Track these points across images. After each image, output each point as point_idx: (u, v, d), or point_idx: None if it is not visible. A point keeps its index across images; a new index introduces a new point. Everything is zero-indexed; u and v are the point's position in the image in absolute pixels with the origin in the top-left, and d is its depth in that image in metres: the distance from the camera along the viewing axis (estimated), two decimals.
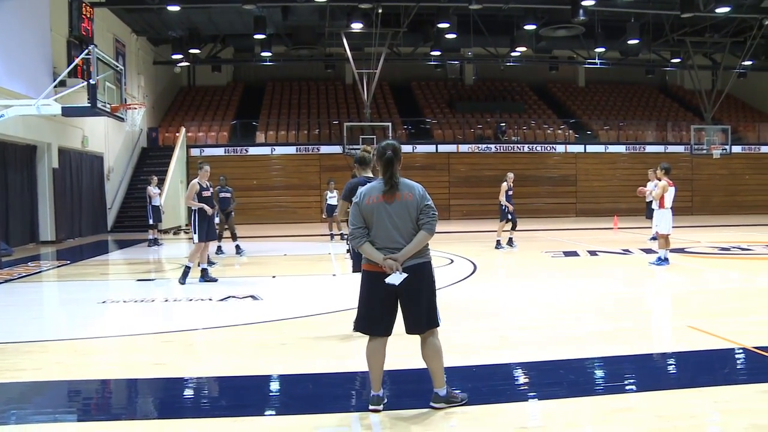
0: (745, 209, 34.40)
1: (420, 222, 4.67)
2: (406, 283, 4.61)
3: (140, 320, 8.51)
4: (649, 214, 18.60)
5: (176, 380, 5.74)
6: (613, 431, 4.41)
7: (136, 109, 18.45)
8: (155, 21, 29.68)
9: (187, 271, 11.38)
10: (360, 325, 4.82)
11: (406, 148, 31.88)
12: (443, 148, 32.77)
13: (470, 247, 17.33)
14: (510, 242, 17.02)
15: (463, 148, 32.83)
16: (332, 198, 20.46)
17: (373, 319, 4.75)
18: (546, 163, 33.31)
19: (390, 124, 30.60)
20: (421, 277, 4.70)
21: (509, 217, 16.75)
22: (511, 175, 17.20)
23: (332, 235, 20.27)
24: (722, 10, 25.95)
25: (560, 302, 9.22)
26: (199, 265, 11.66)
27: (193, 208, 11.56)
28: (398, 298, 4.72)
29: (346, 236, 16.21)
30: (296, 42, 30.37)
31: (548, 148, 33.52)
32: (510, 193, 16.78)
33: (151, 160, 30.15)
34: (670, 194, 13.10)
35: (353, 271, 6.96)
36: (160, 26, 30.53)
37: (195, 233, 11.53)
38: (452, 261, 14.32)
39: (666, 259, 12.89)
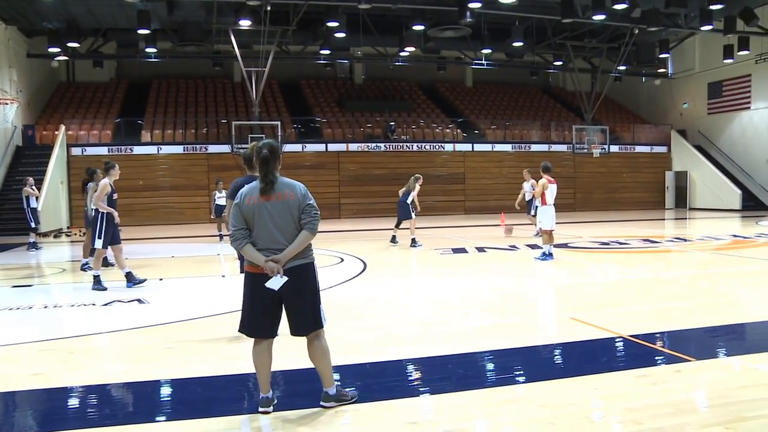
0: (623, 205, 36.43)
1: (302, 222, 4.67)
2: (289, 286, 4.61)
3: (16, 329, 8.06)
4: (530, 211, 19.36)
5: (57, 390, 5.49)
6: (499, 422, 4.56)
7: (7, 104, 17.46)
8: (27, 10, 28.14)
9: (97, 278, 10.82)
10: (244, 328, 4.80)
11: (295, 147, 31.77)
12: (333, 146, 32.84)
13: (360, 246, 17.44)
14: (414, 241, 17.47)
15: (353, 146, 33.01)
16: (220, 198, 20.46)
17: (256, 322, 4.74)
18: (435, 162, 33.98)
19: (279, 122, 30.39)
20: (304, 278, 4.71)
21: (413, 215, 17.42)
22: (419, 175, 18.05)
23: (221, 236, 20.02)
24: (598, 17, 27.27)
25: (449, 299, 9.43)
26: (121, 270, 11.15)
27: (101, 211, 10.92)
28: (281, 299, 4.72)
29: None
30: (182, 38, 29.60)
31: (437, 147, 34.20)
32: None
33: (27, 160, 28.63)
34: (551, 191, 13.63)
35: (241, 272, 6.88)
36: (34, 16, 29.00)
37: (99, 238, 10.89)
38: (342, 260, 14.37)
39: (550, 254, 13.42)
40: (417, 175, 18.01)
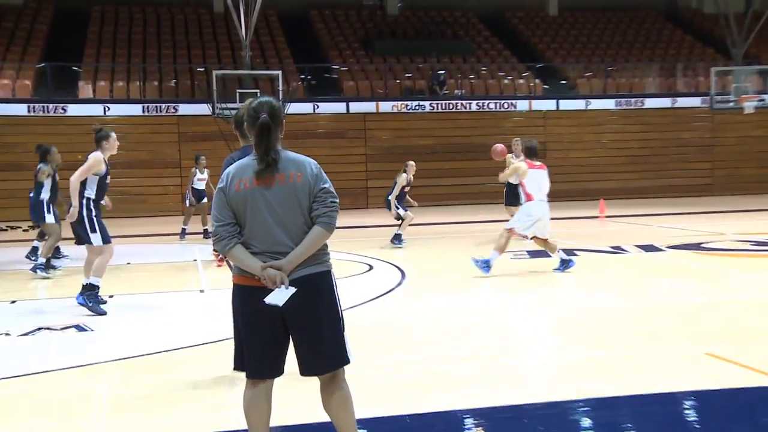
0: None
1: (314, 214, 4.64)
2: (297, 303, 4.55)
3: None
4: (510, 200, 19.12)
5: None
6: None
7: None
8: None
9: (93, 291, 10.84)
10: (238, 364, 4.80)
11: (303, 108, 31.84)
12: (357, 106, 32.87)
13: (396, 248, 17.40)
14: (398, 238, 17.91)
15: (385, 106, 33.03)
16: (201, 181, 20.69)
17: (254, 355, 4.71)
18: (502, 126, 33.84)
19: (280, 72, 30.46)
20: (319, 293, 4.67)
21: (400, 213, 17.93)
22: (412, 163, 18.18)
23: (206, 231, 20.26)
24: None
25: (521, 322, 9.38)
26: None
27: (84, 196, 10.89)
28: (286, 323, 4.67)
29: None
30: None
31: (506, 105, 34.10)
32: (407, 189, 18.04)
33: None
34: (533, 179, 13.41)
35: None
36: None
37: (94, 231, 10.89)
38: (371, 267, 14.37)
39: (485, 264, 13.26)
40: (409, 162, 18.24)
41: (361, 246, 17.75)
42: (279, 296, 4.50)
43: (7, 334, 9.48)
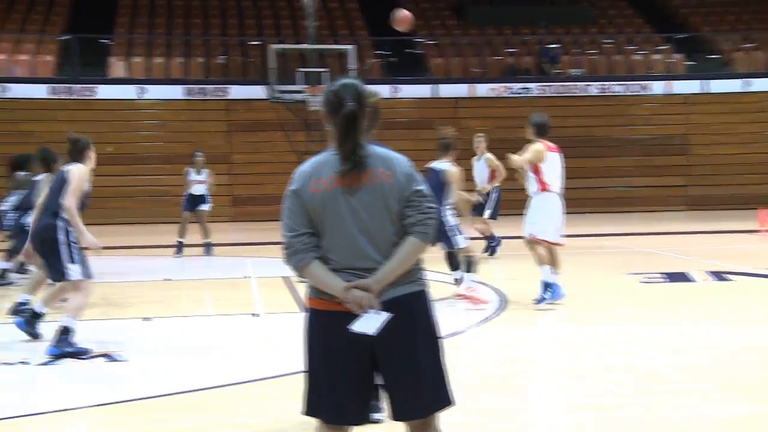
0: None
1: (407, 222, 4.63)
2: (388, 332, 4.52)
3: None
4: (476, 210, 18.82)
5: None
6: None
7: None
8: None
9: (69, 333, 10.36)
10: (315, 406, 4.73)
11: (382, 90, 31.55)
12: (447, 89, 32.90)
13: (496, 265, 17.39)
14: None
15: (482, 89, 33.00)
16: (199, 184, 20.95)
17: (336, 396, 4.67)
18: (631, 114, 33.54)
19: (352, 47, 30.53)
20: (414, 318, 4.66)
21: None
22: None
23: (208, 245, 20.87)
24: None
25: (657, 363, 9.31)
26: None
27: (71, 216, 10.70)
28: (375, 357, 4.64)
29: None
30: None
31: (636, 88, 33.82)
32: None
33: None
34: (551, 166, 13.19)
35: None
36: None
37: (74, 262, 10.40)
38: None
39: (551, 289, 12.91)
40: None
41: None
42: (369, 323, 4.48)
43: (24, 363, 9.63)
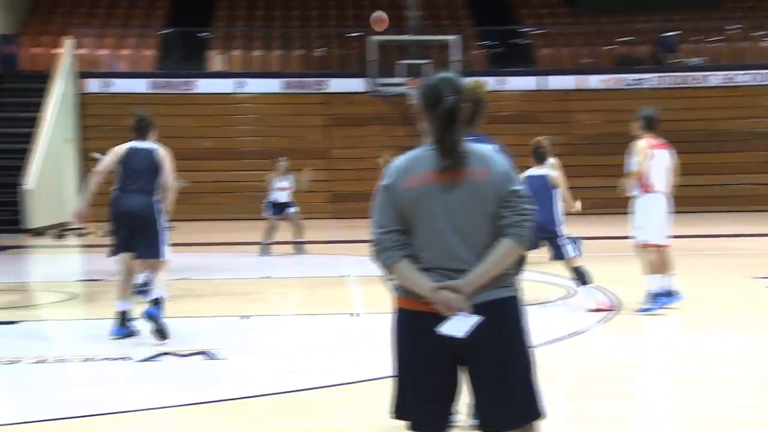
0: None
1: (503, 223, 4.60)
2: (477, 336, 4.51)
3: None
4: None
5: None
6: None
7: None
8: None
9: (161, 304, 10.91)
10: (402, 409, 4.74)
11: (488, 83, 31.57)
12: (556, 81, 32.70)
13: (606, 267, 17.17)
14: None
15: (593, 80, 32.69)
16: (282, 191, 20.89)
17: (416, 400, 4.68)
18: (761, 107, 32.84)
19: (457, 37, 30.45)
20: (504, 324, 4.63)
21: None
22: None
23: (298, 244, 20.72)
24: None
25: None
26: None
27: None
28: (464, 362, 4.64)
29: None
30: None
31: (765, 78, 33.11)
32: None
33: (5, 97, 30.51)
34: (660, 165, 12.77)
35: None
36: None
37: (166, 244, 11.16)
38: (573, 292, 14.12)
39: (668, 296, 12.55)
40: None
41: (557, 263, 17.51)
42: (458, 325, 4.47)
43: (126, 358, 9.82)
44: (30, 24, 34.77)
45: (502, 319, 4.60)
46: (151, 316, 10.45)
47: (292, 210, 20.88)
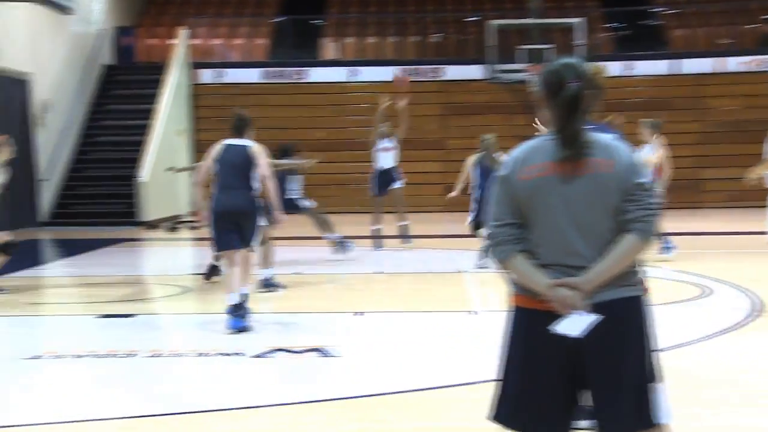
0: None
1: (626, 217, 4.52)
2: (596, 337, 4.46)
3: (104, 392, 8.76)
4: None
5: None
6: None
7: None
8: None
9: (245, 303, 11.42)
10: (502, 412, 4.70)
11: (613, 68, 30.98)
12: (689, 65, 32.13)
13: (746, 264, 16.98)
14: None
15: (732, 63, 32.03)
16: (387, 151, 20.29)
17: (531, 403, 4.62)
18: None
19: (581, 20, 30.22)
20: (626, 326, 4.56)
21: None
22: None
23: (403, 229, 20.13)
24: None
25: None
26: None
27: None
28: (582, 363, 4.56)
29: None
30: None
31: None
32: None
33: (120, 90, 31.07)
34: None
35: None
36: None
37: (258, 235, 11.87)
38: (709, 291, 14.01)
39: None
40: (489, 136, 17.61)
41: (691, 260, 17.34)
42: (574, 324, 4.41)
43: (239, 354, 9.97)
44: (146, 15, 35.34)
45: (623, 320, 4.53)
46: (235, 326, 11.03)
47: (397, 184, 20.32)
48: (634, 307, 4.58)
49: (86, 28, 30.16)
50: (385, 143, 20.44)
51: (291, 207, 17.44)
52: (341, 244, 18.05)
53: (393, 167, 20.37)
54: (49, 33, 28.29)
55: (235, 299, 11.24)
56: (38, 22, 27.12)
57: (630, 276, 4.57)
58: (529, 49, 29.43)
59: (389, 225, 20.69)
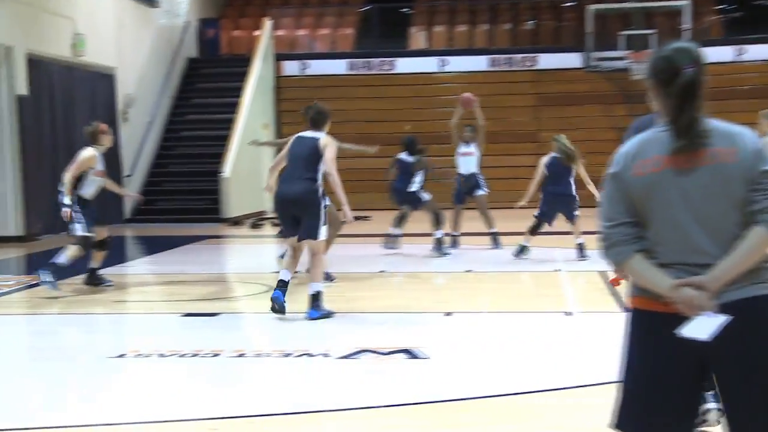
0: None
1: (754, 208, 4.31)
2: (727, 340, 4.26)
3: (188, 393, 8.93)
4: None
5: None
6: None
7: None
8: None
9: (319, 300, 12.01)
10: (624, 421, 4.55)
11: (722, 53, 30.54)
12: None
13: None
14: None
15: None
16: (467, 156, 19.92)
17: (650, 411, 4.47)
18: None
19: (688, 2, 29.75)
20: (760, 325, 4.35)
21: None
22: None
23: (494, 236, 19.79)
24: None
25: None
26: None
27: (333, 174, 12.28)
28: (711, 369, 4.43)
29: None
30: None
31: None
32: None
33: (205, 83, 31.32)
34: None
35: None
36: None
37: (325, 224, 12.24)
38: None
39: None
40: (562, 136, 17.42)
41: None
42: (702, 326, 4.19)
43: (325, 355, 10.06)
44: (230, 7, 35.55)
45: (756, 320, 4.31)
46: (314, 318, 11.80)
47: (481, 192, 19.88)
48: (766, 307, 4.35)
49: (171, 21, 30.46)
50: (467, 148, 19.96)
51: (412, 200, 18.07)
52: (440, 245, 18.39)
53: (474, 173, 19.92)
54: (134, 26, 28.70)
55: (285, 276, 11.95)
56: (124, 15, 27.53)
57: (761, 272, 4.36)
58: (630, 35, 29.07)
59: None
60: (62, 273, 14.51)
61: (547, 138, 30.66)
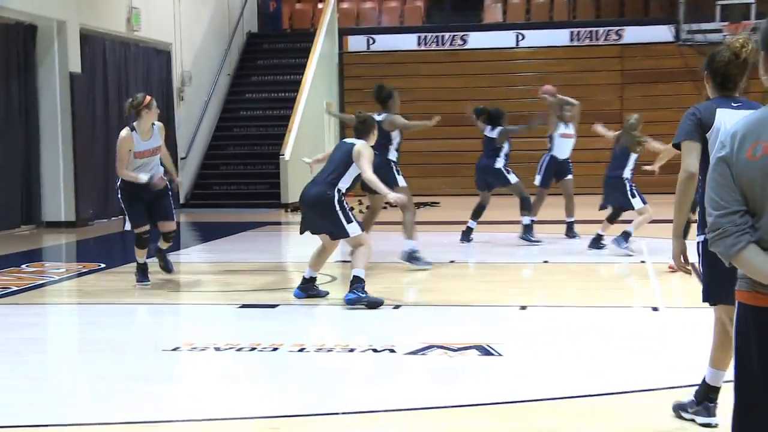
0: None
1: None
2: None
3: (246, 389, 8.94)
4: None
5: None
6: None
7: None
8: None
9: (361, 281, 12.27)
10: (742, 427, 4.45)
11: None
12: None
13: None
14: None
15: None
16: (567, 138, 19.58)
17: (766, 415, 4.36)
18: None
19: None
20: None
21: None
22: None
23: (570, 226, 19.56)
24: None
25: None
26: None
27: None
28: None
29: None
30: None
31: None
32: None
33: (266, 59, 31.36)
34: None
35: (705, 300, 6.87)
36: None
37: (351, 221, 12.51)
38: None
39: None
40: (635, 116, 17.40)
41: None
42: None
43: (391, 350, 10.07)
44: None
45: None
46: (350, 301, 12.19)
47: (570, 176, 19.66)
48: None
49: None
50: (566, 129, 19.54)
51: (498, 178, 18.33)
52: (529, 233, 18.41)
53: (568, 158, 19.63)
54: (192, 0, 28.90)
55: (307, 273, 13.01)
56: None
57: None
58: (727, 5, 28.75)
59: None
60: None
61: None
